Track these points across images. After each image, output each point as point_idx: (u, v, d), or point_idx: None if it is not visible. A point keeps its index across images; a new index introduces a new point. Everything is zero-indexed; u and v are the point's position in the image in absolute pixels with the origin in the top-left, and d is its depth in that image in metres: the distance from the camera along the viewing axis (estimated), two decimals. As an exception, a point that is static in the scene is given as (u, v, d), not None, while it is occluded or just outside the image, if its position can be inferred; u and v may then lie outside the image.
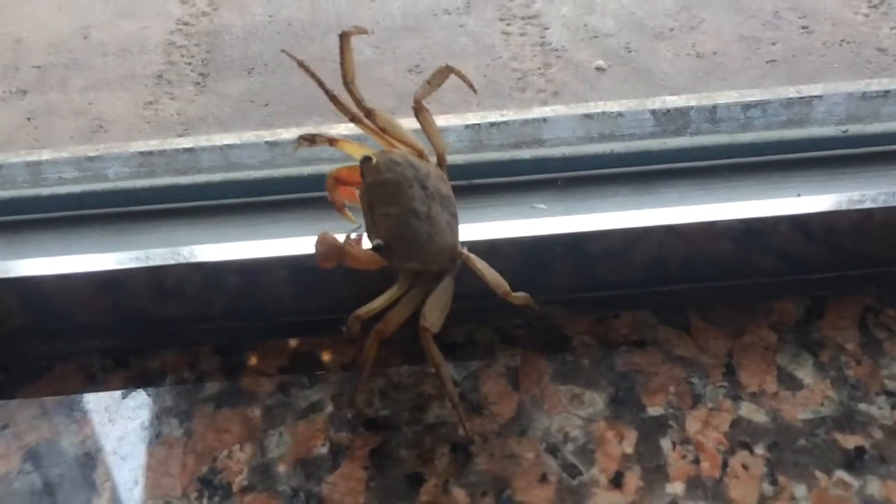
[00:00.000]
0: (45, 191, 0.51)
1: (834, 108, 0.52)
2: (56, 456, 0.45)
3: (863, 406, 0.44)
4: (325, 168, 0.47)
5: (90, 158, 0.51)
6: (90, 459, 0.44)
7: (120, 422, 0.46)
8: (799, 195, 0.49)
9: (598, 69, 1.05)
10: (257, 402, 0.46)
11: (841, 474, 0.41)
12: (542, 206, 0.49)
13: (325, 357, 0.48)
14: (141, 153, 0.51)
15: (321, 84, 0.43)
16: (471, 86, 0.46)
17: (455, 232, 0.43)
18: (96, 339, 0.49)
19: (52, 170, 0.51)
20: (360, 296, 0.44)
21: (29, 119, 1.06)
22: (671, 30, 1.10)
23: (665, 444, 0.43)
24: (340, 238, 0.41)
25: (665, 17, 1.13)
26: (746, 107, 0.51)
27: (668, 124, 0.51)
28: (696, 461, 0.42)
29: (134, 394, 0.47)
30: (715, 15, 1.12)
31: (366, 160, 0.41)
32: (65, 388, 0.48)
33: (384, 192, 0.41)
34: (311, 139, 0.45)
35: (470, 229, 0.47)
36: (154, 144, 0.52)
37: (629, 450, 0.43)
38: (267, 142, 0.51)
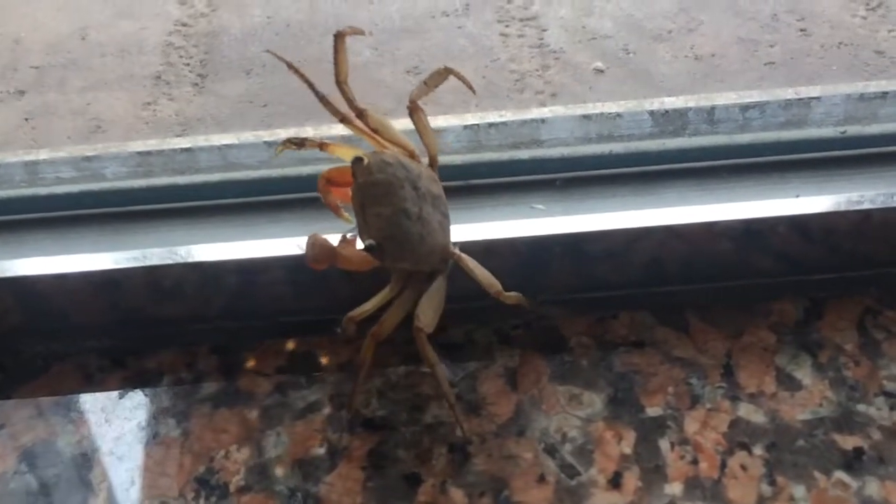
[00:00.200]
0: (42, 190, 0.51)
1: (832, 110, 0.52)
2: (52, 456, 0.44)
3: (861, 407, 0.44)
4: (324, 168, 0.47)
5: (88, 158, 0.51)
6: (86, 460, 0.44)
7: (117, 422, 0.46)
8: (798, 196, 0.49)
9: (597, 71, 1.05)
10: (255, 402, 0.46)
11: (840, 475, 0.41)
12: (541, 206, 0.49)
13: (323, 357, 0.48)
14: (139, 153, 0.51)
15: (311, 85, 0.43)
16: (470, 87, 0.46)
17: (447, 232, 0.43)
18: (93, 339, 0.49)
19: (50, 169, 0.51)
20: (358, 296, 0.44)
21: (27, 119, 1.05)
22: (669, 32, 1.10)
23: (663, 444, 0.43)
24: (334, 239, 0.41)
25: (663, 19, 1.13)
26: (745, 108, 0.51)
27: (666, 125, 0.51)
28: (695, 462, 0.42)
29: (131, 394, 0.47)
30: (713, 17, 1.12)
31: (357, 161, 0.41)
32: (61, 389, 0.47)
33: (375, 192, 0.41)
34: (299, 143, 0.45)
35: (468, 229, 0.47)
36: (152, 144, 0.52)
37: (628, 450, 0.43)
38: (265, 142, 0.51)
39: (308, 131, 0.51)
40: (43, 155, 0.52)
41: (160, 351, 0.49)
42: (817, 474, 0.42)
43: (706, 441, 0.43)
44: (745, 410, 0.44)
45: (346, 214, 0.46)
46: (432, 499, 0.42)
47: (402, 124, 0.45)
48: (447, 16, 1.17)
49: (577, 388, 0.46)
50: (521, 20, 1.15)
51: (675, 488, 0.41)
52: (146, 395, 0.47)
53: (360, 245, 0.42)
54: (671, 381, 0.46)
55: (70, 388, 0.47)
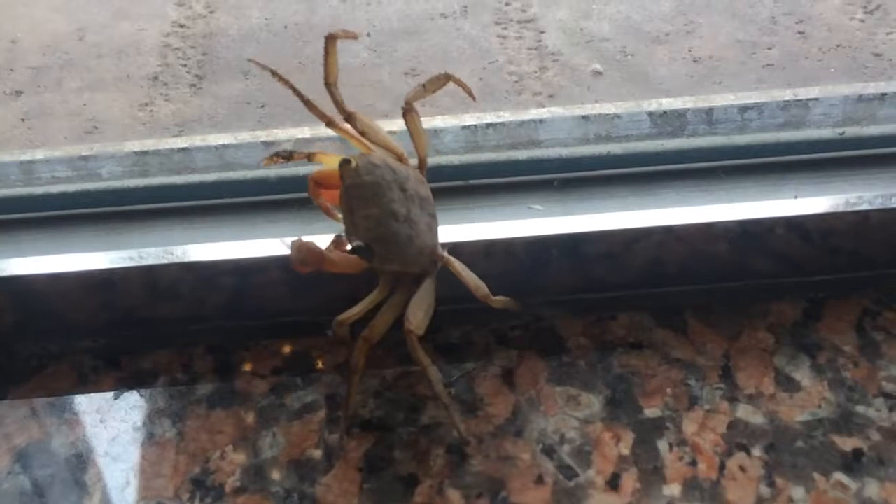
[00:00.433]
0: (38, 190, 0.51)
1: (831, 111, 0.51)
2: (46, 457, 0.44)
3: (860, 408, 0.44)
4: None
5: (84, 157, 0.51)
6: (81, 460, 0.44)
7: (112, 423, 0.45)
8: (796, 197, 0.48)
9: (595, 73, 1.05)
10: (251, 402, 0.46)
11: (839, 476, 0.41)
12: (539, 207, 0.49)
13: (320, 358, 0.48)
14: (135, 152, 0.51)
15: (295, 90, 0.43)
16: (470, 94, 0.47)
17: (435, 234, 0.43)
18: (88, 340, 0.49)
19: (46, 168, 0.51)
20: (355, 296, 0.43)
21: (23, 120, 1.05)
22: (667, 34, 1.11)
23: (662, 445, 0.43)
24: (325, 241, 0.41)
25: (661, 21, 1.13)
26: (743, 109, 0.51)
27: (664, 126, 0.51)
28: (693, 463, 0.42)
29: (126, 394, 0.47)
30: (711, 20, 1.13)
31: (345, 163, 0.41)
32: (56, 389, 0.47)
33: (363, 194, 0.41)
34: (286, 156, 0.45)
35: (466, 230, 0.47)
36: (148, 144, 0.52)
37: (626, 451, 0.43)
38: (262, 142, 0.51)
39: (305, 132, 0.51)
40: (39, 154, 0.51)
41: (156, 351, 0.48)
42: (816, 476, 0.41)
43: (705, 442, 0.43)
44: (744, 412, 0.44)
45: (338, 215, 0.46)
46: (429, 500, 0.41)
47: (399, 125, 0.45)
48: (445, 18, 1.17)
49: (575, 389, 0.45)
50: (519, 22, 1.15)
51: (673, 490, 0.41)
52: (141, 395, 0.47)
53: (349, 247, 0.41)
54: (669, 383, 0.45)
55: (65, 388, 0.47)
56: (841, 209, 0.47)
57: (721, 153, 0.51)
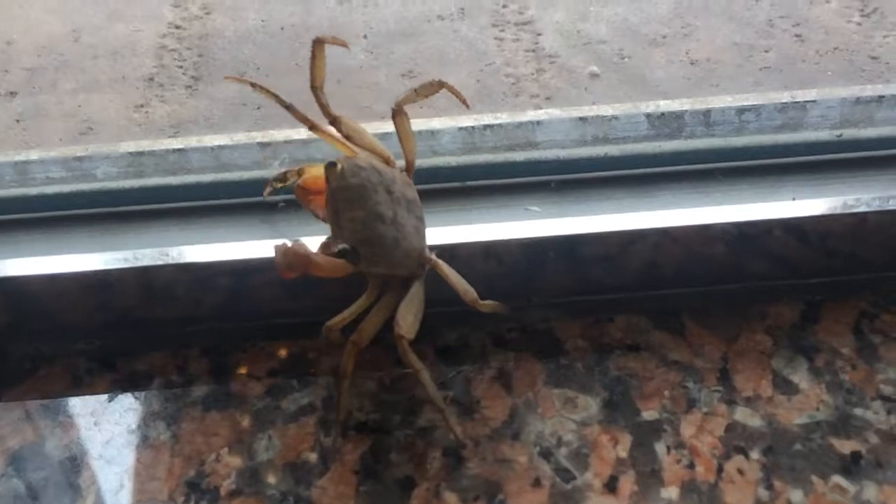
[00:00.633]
0: (32, 190, 0.50)
1: (828, 113, 0.51)
2: (40, 460, 0.44)
3: (858, 411, 0.44)
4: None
5: (79, 158, 0.51)
6: (75, 463, 0.44)
7: (106, 425, 0.45)
8: (794, 199, 0.48)
9: (592, 75, 1.05)
10: (246, 405, 0.45)
11: (837, 479, 0.41)
12: (536, 208, 0.49)
13: (316, 360, 0.48)
14: (130, 153, 0.51)
15: (277, 98, 0.44)
16: (464, 101, 0.46)
17: (422, 236, 0.43)
18: (83, 341, 0.49)
19: (40, 169, 0.51)
20: (351, 298, 0.43)
21: (18, 121, 1.05)
22: (664, 37, 1.11)
23: (660, 448, 0.43)
24: (317, 243, 0.40)
25: (659, 24, 1.13)
26: (741, 111, 0.51)
27: (662, 128, 0.51)
28: (691, 466, 0.42)
29: (120, 397, 0.46)
30: (708, 22, 1.13)
31: (331, 166, 0.41)
32: (50, 391, 0.47)
33: (349, 196, 0.41)
34: (282, 179, 0.46)
35: (463, 231, 0.47)
36: (144, 145, 0.51)
37: (623, 454, 0.42)
38: (258, 143, 0.51)
39: (301, 133, 0.50)
40: (33, 155, 0.51)
41: (150, 353, 0.48)
42: (815, 479, 0.41)
43: (702, 445, 0.43)
44: (742, 414, 0.44)
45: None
46: (426, 503, 0.41)
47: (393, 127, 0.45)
48: (442, 19, 1.17)
49: (573, 392, 0.45)
50: (516, 24, 1.15)
51: (671, 492, 0.41)
52: (136, 397, 0.46)
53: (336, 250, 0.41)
54: (667, 385, 0.45)
55: (59, 390, 0.47)
56: (838, 211, 0.47)
57: (718, 155, 0.51)
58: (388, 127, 0.46)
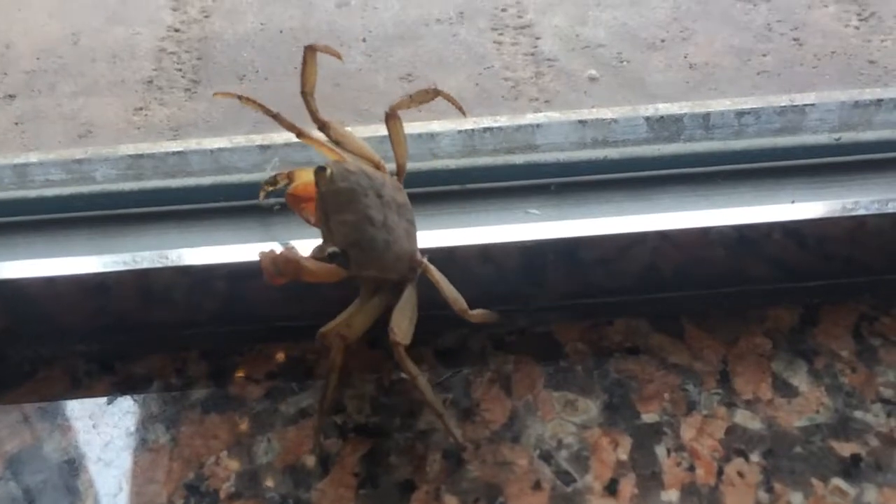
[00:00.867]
0: (31, 193, 0.50)
1: (827, 116, 0.52)
2: (38, 463, 0.44)
3: (858, 414, 0.44)
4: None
5: (78, 161, 0.51)
6: (73, 466, 0.43)
7: (104, 428, 0.45)
8: (793, 202, 0.48)
9: (591, 79, 1.06)
10: (245, 407, 0.45)
11: (837, 482, 0.41)
12: (536, 211, 0.49)
13: (315, 363, 0.47)
14: (129, 156, 0.51)
15: (263, 108, 0.44)
16: (460, 109, 0.47)
17: (413, 240, 0.43)
18: (82, 344, 0.49)
19: (40, 172, 0.51)
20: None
21: (17, 124, 1.05)
22: (663, 41, 1.11)
23: (660, 451, 0.43)
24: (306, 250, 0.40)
25: (657, 28, 1.13)
26: (740, 114, 0.51)
27: (661, 131, 0.51)
28: (692, 468, 0.42)
29: (119, 399, 0.46)
30: (707, 26, 1.13)
31: (320, 170, 0.41)
32: (48, 394, 0.47)
33: (339, 200, 0.41)
34: (273, 182, 0.46)
35: (463, 234, 0.47)
36: (143, 147, 0.51)
37: (624, 457, 0.42)
38: (258, 145, 0.51)
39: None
40: (33, 157, 0.51)
41: (149, 356, 0.48)
42: (815, 481, 0.41)
43: (703, 448, 0.43)
44: (742, 417, 0.44)
45: None
46: (426, 506, 0.41)
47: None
48: (441, 23, 1.17)
49: (573, 395, 0.45)
50: (515, 28, 1.15)
51: (671, 495, 0.41)
52: (135, 400, 0.46)
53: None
54: (667, 388, 0.45)
55: (57, 393, 0.47)
56: (837, 214, 0.47)
57: (718, 158, 0.51)
58: (385, 130, 0.46)
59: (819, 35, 1.09)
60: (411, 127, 0.50)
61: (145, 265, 0.46)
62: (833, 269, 0.49)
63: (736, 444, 0.43)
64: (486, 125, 0.50)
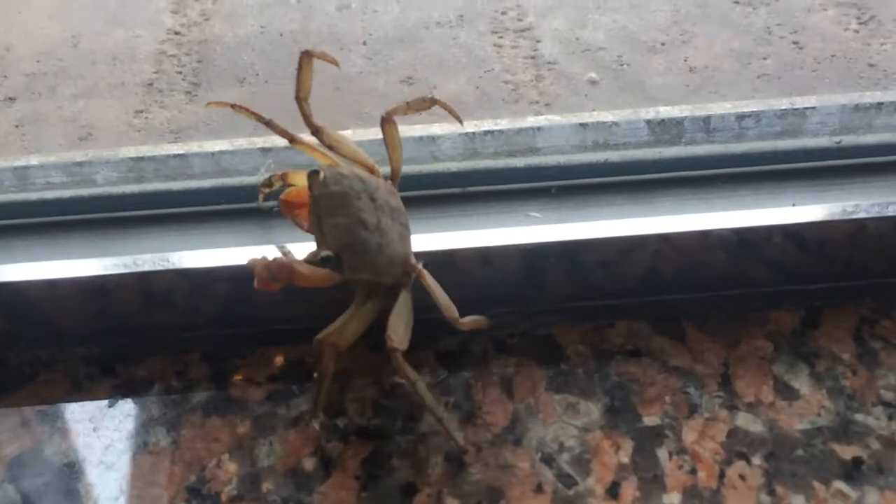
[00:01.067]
0: (32, 195, 0.50)
1: (827, 119, 0.52)
2: (39, 466, 0.44)
3: (860, 416, 0.44)
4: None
5: (78, 163, 0.51)
6: (74, 470, 0.43)
7: (105, 431, 0.45)
8: (794, 205, 0.48)
9: (591, 82, 1.06)
10: (247, 410, 0.45)
11: (839, 485, 0.41)
12: (537, 214, 0.49)
13: (315, 366, 0.47)
14: (130, 158, 0.51)
15: (256, 115, 0.44)
16: (457, 118, 0.47)
17: (407, 244, 0.43)
18: (82, 347, 0.49)
19: (40, 174, 0.51)
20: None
21: (17, 126, 1.05)
22: (663, 44, 1.11)
23: (661, 454, 0.43)
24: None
25: (657, 31, 1.14)
26: (740, 117, 0.51)
27: (662, 134, 0.51)
28: (693, 471, 0.42)
29: (120, 402, 0.46)
30: (707, 30, 1.13)
31: (313, 174, 0.41)
32: (49, 397, 0.47)
33: (332, 203, 0.41)
34: (269, 184, 0.46)
35: (464, 237, 0.47)
36: (143, 150, 0.51)
37: (625, 460, 0.42)
38: (260, 148, 0.51)
39: (303, 138, 0.50)
40: (33, 160, 0.51)
41: (150, 359, 0.48)
42: (816, 484, 0.41)
43: (704, 451, 0.43)
44: (743, 420, 0.44)
45: None
46: (427, 509, 0.41)
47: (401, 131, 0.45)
48: (441, 26, 1.17)
49: (574, 397, 0.45)
50: (515, 31, 1.15)
51: (673, 498, 0.41)
52: (136, 403, 0.46)
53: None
54: (668, 391, 0.45)
55: (58, 396, 0.47)
56: (838, 217, 0.47)
57: (718, 161, 0.51)
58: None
59: (819, 38, 1.09)
60: (412, 130, 0.50)
61: (146, 268, 0.46)
62: (834, 272, 0.49)
63: (737, 446, 0.43)
64: (486, 128, 0.50)
